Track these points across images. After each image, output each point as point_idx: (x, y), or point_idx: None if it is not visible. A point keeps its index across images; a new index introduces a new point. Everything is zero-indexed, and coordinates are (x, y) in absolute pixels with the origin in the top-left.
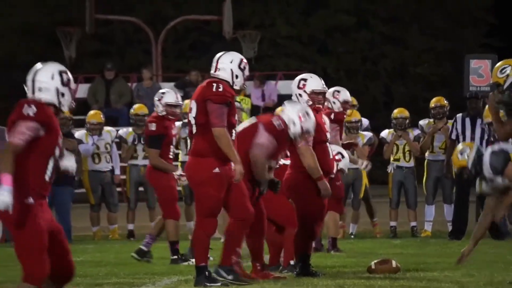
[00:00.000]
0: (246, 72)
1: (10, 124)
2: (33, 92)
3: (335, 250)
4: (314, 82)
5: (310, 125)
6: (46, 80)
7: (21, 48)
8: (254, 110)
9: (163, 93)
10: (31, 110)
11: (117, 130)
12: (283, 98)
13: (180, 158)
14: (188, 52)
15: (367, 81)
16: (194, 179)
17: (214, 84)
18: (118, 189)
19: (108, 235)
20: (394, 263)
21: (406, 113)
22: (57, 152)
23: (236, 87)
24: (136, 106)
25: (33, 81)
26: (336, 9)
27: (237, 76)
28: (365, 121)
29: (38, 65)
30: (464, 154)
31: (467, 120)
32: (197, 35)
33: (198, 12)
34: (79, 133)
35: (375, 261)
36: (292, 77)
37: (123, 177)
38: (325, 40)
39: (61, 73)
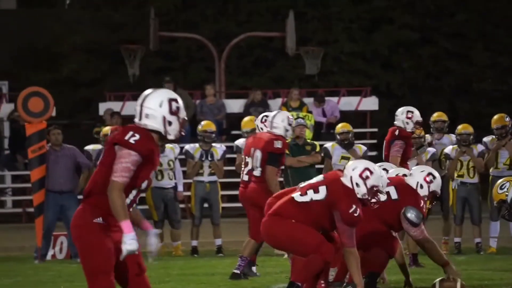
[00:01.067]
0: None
1: (110, 146)
2: (140, 118)
3: (416, 265)
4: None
5: (436, 187)
6: (154, 107)
7: (85, 67)
8: (317, 126)
9: (288, 117)
10: (133, 138)
11: (182, 147)
12: (346, 115)
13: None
14: (252, 69)
15: (431, 97)
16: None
17: (353, 205)
18: (181, 205)
19: (172, 251)
20: (459, 282)
21: (470, 129)
22: (144, 185)
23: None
24: (204, 123)
25: (142, 106)
26: (400, 25)
27: (358, 184)
28: (452, 138)
29: (148, 91)
30: (504, 188)
31: None
32: (260, 52)
33: (261, 29)
34: None
35: (439, 279)
36: (355, 94)
37: (187, 193)
38: (388, 56)
39: (170, 101)
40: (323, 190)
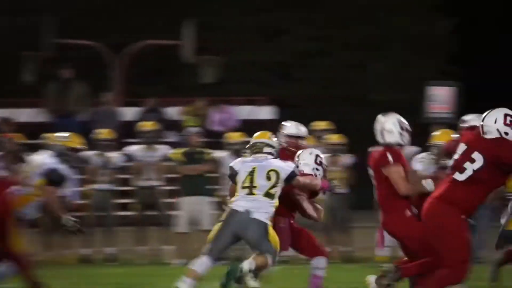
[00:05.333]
0: None
1: None
2: None
3: None
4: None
5: None
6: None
7: None
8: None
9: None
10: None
11: None
12: (246, 123)
13: None
14: (148, 77)
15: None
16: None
17: None
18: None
19: None
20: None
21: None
22: None
23: None
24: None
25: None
26: (298, 36)
27: (507, 133)
28: None
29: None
30: None
31: None
32: (158, 60)
33: (158, 37)
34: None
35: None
36: (252, 103)
37: None
38: (287, 67)
39: None
40: (476, 156)
